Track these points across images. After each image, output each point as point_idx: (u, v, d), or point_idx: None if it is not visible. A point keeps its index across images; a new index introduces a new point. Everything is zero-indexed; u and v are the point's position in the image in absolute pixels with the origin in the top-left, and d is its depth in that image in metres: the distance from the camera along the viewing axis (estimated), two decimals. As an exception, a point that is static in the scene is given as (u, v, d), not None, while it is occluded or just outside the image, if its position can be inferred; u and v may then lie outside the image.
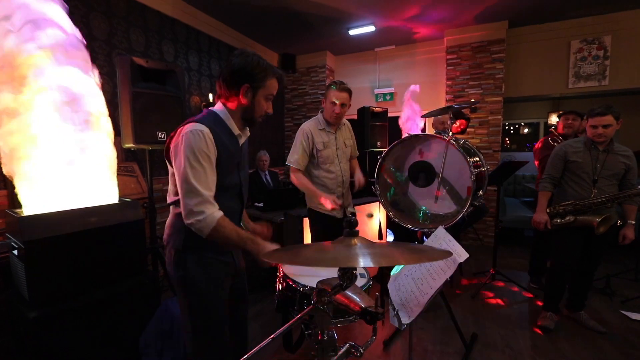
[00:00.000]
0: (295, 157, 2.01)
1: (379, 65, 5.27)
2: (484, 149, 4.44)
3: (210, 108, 1.23)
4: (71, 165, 1.56)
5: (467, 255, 1.03)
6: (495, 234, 3.12)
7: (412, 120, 3.88)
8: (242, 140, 1.27)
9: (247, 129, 1.30)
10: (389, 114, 4.09)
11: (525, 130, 6.78)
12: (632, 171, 2.16)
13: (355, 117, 3.99)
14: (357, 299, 0.93)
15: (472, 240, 4.54)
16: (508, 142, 6.96)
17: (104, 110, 1.73)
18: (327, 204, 1.84)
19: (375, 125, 3.82)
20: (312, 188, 1.99)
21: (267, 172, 4.17)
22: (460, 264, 3.51)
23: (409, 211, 2.19)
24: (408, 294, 1.04)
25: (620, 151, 2.17)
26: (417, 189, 2.10)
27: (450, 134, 2.06)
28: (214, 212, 1.06)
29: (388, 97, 5.20)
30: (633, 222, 2.19)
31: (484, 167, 2.01)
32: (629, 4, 3.71)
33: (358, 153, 2.33)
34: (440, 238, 1.12)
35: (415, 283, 1.03)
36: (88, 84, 1.64)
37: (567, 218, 2.22)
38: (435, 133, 3.23)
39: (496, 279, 3.07)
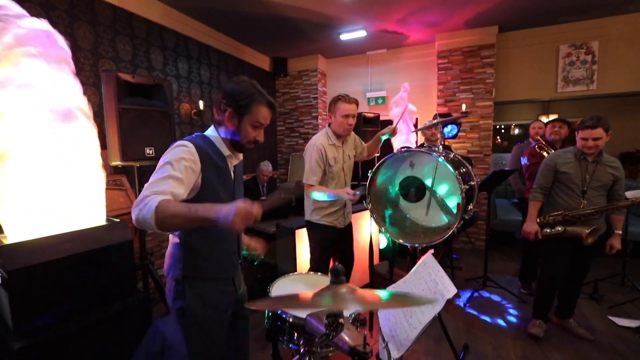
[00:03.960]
0: (314, 177, 2.04)
1: (371, 68, 5.26)
2: (475, 153, 4.47)
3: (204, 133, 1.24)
4: (56, 187, 1.52)
5: (456, 291, 1.03)
6: (486, 240, 3.15)
7: (405, 135, 3.89)
8: (233, 162, 1.26)
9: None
10: (381, 118, 4.08)
11: (516, 131, 6.84)
12: (620, 182, 2.19)
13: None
14: (346, 337, 0.93)
15: (464, 243, 4.58)
16: (499, 139, 7.00)
17: (91, 127, 1.68)
18: (344, 194, 1.91)
19: (367, 131, 3.78)
20: (330, 190, 2.03)
21: (265, 184, 4.13)
22: (453, 269, 3.55)
23: (400, 225, 2.18)
24: (398, 326, 1.04)
25: (609, 162, 2.19)
26: (408, 203, 2.10)
27: (441, 146, 2.07)
28: (153, 198, 0.93)
29: (380, 101, 5.20)
30: (620, 232, 2.22)
31: (473, 181, 2.02)
32: (616, 10, 3.75)
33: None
34: (429, 267, 1.12)
35: (404, 315, 1.03)
36: (73, 99, 1.59)
37: (557, 228, 2.24)
38: (425, 142, 3.26)
39: (487, 286, 3.11)
